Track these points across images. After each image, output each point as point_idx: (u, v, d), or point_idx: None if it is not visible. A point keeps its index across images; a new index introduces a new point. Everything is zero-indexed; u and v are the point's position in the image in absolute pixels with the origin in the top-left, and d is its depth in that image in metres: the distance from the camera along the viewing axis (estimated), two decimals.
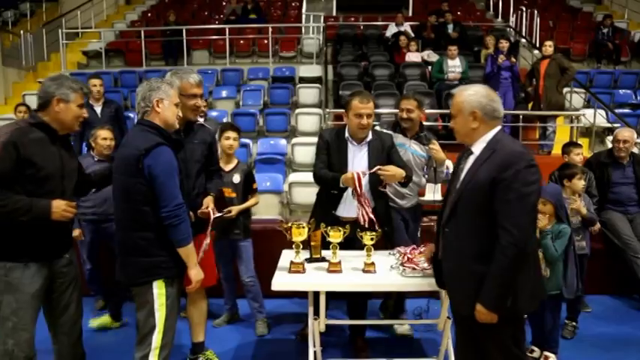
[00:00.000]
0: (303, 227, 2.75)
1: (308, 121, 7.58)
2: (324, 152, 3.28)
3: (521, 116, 6.86)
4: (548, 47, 6.63)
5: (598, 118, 7.12)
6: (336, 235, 2.74)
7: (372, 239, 2.72)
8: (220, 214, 3.04)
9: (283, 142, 7.08)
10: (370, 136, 3.22)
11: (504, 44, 7.07)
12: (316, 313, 2.83)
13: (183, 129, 2.85)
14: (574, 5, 12.73)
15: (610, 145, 4.88)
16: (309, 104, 8.17)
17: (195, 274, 2.45)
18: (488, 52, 7.37)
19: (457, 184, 2.21)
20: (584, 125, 7.31)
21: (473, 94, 2.18)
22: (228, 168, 3.61)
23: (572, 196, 3.66)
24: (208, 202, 2.92)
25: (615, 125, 7.46)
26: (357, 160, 3.21)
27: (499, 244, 2.03)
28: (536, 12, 10.28)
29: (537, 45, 9.55)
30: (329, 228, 2.76)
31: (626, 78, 9.17)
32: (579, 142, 7.07)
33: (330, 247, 2.75)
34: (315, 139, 6.65)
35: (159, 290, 2.36)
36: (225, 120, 7.15)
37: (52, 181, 2.31)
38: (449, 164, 3.37)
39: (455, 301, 2.30)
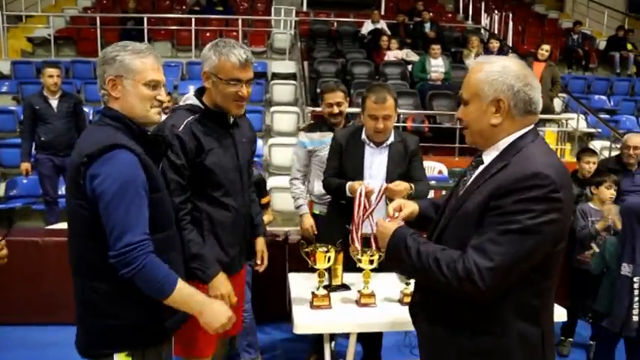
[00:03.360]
0: (328, 251, 2.25)
1: (284, 120, 7.10)
2: (336, 157, 2.80)
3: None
4: (545, 52, 6.46)
5: (580, 123, 7.07)
6: (366, 260, 2.27)
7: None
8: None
9: (259, 143, 6.54)
10: (392, 138, 2.73)
11: (495, 44, 6.85)
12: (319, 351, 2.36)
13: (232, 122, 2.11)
14: (539, 12, 12.88)
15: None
16: (284, 102, 7.67)
17: (211, 318, 1.60)
18: (478, 52, 7.11)
19: (451, 204, 1.54)
20: (567, 130, 7.22)
21: (501, 71, 1.39)
22: None
23: (604, 207, 3.33)
24: (263, 249, 2.37)
25: (595, 131, 7.46)
26: (376, 166, 2.72)
27: (463, 261, 1.33)
28: (510, 15, 10.22)
29: (512, 48, 9.52)
30: (360, 251, 2.29)
31: (599, 84, 9.25)
32: (564, 147, 7.02)
33: (362, 274, 2.27)
34: (294, 140, 6.28)
35: None
36: None
37: None
38: None
39: None
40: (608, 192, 3.39)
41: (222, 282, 1.98)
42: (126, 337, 1.59)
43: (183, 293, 1.56)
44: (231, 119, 2.11)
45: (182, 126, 1.94)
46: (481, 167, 1.46)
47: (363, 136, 2.74)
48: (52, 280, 3.51)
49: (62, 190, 5.27)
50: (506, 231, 1.30)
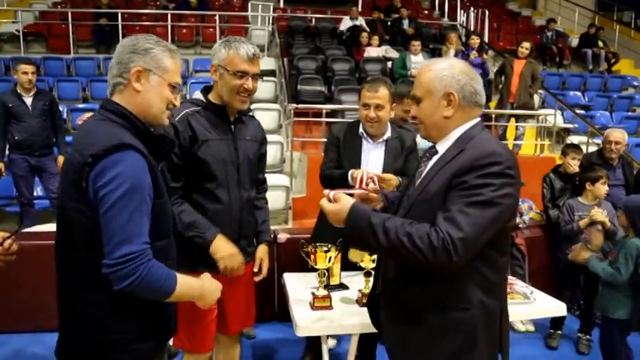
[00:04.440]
0: (328, 251, 2.20)
1: (265, 117, 6.96)
2: (334, 150, 2.78)
3: (493, 115, 6.73)
4: (525, 49, 6.53)
5: (557, 118, 7.19)
6: (368, 260, 2.23)
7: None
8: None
9: None
10: (389, 134, 2.73)
11: (475, 40, 6.89)
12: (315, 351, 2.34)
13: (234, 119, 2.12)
14: (513, 9, 13.09)
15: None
16: (264, 99, 7.56)
17: (209, 297, 1.59)
18: (457, 49, 7.14)
19: (409, 194, 1.64)
20: (545, 125, 7.33)
21: (447, 69, 1.55)
22: None
23: (592, 212, 3.35)
24: (263, 257, 2.29)
25: (572, 126, 7.60)
26: (372, 160, 2.71)
27: (436, 231, 1.40)
28: (487, 12, 10.35)
29: (488, 45, 9.64)
30: (360, 252, 2.24)
31: (573, 80, 9.44)
32: (544, 142, 7.13)
33: (363, 274, 2.24)
34: (276, 137, 6.22)
35: None
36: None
37: None
38: None
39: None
40: (603, 188, 3.43)
41: (223, 244, 2.00)
42: (122, 351, 1.48)
43: (183, 285, 1.48)
44: (235, 115, 2.11)
45: (179, 115, 1.99)
46: (436, 157, 1.60)
47: (360, 130, 2.74)
48: (30, 286, 3.36)
49: (38, 192, 5.09)
50: (471, 203, 1.41)
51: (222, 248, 1.99)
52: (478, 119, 1.59)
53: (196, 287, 1.55)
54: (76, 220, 1.41)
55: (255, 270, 2.25)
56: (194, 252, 1.96)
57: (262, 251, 2.28)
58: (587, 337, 3.50)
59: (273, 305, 3.78)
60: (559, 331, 3.55)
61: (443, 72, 1.55)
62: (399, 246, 1.41)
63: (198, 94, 2.12)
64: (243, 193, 2.14)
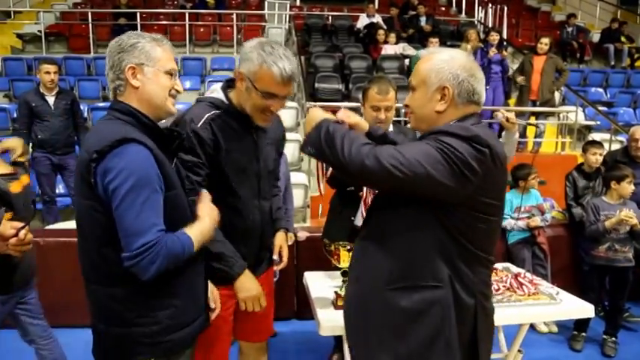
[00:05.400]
0: (351, 250, 2.18)
1: (283, 115, 6.90)
2: None
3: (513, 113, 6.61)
4: (544, 45, 6.41)
5: (579, 115, 7.05)
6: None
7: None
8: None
9: None
10: (390, 129, 2.71)
11: (495, 37, 6.78)
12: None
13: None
14: (532, 5, 12.90)
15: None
16: None
17: (210, 224, 1.58)
18: (476, 46, 7.05)
19: None
20: (567, 123, 7.20)
21: (447, 61, 1.47)
22: None
23: (622, 214, 3.26)
24: (282, 244, 2.13)
25: (594, 123, 7.46)
26: None
27: (376, 149, 1.38)
28: (506, 8, 10.21)
29: (507, 41, 9.51)
30: None
31: (594, 76, 9.26)
32: (565, 140, 7.01)
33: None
34: (294, 135, 6.21)
35: None
36: None
37: None
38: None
39: (358, 351, 1.57)
40: (629, 187, 3.35)
41: (247, 283, 1.85)
42: (146, 345, 1.49)
43: (198, 237, 1.52)
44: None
45: (201, 121, 1.78)
46: None
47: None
48: (54, 281, 3.42)
49: (60, 189, 5.16)
50: (423, 143, 1.39)
51: (245, 289, 1.84)
52: (475, 119, 1.48)
53: (206, 229, 1.57)
54: (90, 217, 1.43)
55: (275, 257, 2.10)
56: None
57: (281, 238, 2.12)
58: (613, 339, 3.43)
59: (292, 303, 3.79)
60: (583, 333, 3.49)
61: (441, 64, 1.47)
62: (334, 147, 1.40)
63: (218, 92, 1.89)
64: (264, 204, 1.99)
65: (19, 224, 1.54)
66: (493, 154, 1.37)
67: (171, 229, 1.46)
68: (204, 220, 1.58)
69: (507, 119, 2.53)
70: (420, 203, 1.41)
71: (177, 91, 1.56)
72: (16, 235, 1.52)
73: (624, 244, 3.32)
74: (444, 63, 1.47)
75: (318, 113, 1.54)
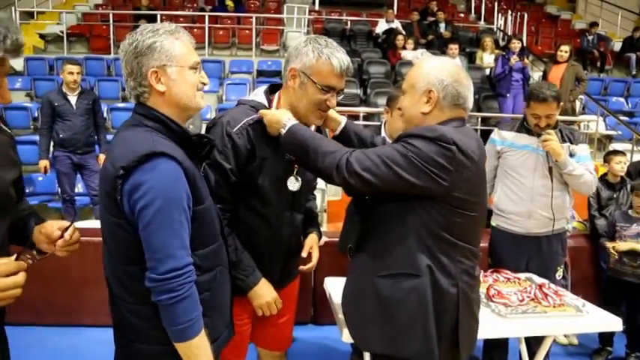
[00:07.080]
0: None
1: None
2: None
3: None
4: (564, 53, 6.34)
5: (599, 125, 6.97)
6: None
7: None
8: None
9: None
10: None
11: (516, 44, 6.72)
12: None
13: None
14: (552, 12, 12.78)
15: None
16: None
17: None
18: (495, 53, 7.00)
19: None
20: (588, 132, 7.11)
21: (435, 67, 1.59)
22: None
23: None
24: (312, 245, 2.00)
25: (615, 133, 7.35)
26: None
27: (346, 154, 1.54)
28: (526, 15, 10.12)
29: (527, 49, 9.42)
30: None
31: (616, 86, 9.14)
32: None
33: None
34: None
35: None
36: (209, 116, 6.45)
37: None
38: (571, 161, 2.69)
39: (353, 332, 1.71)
40: None
41: (263, 291, 1.80)
42: None
43: (200, 344, 1.34)
44: None
45: (238, 126, 1.69)
46: None
47: (383, 134, 2.76)
48: (72, 281, 3.43)
49: (79, 188, 5.22)
50: (392, 148, 1.51)
51: (259, 295, 1.79)
52: (460, 122, 1.59)
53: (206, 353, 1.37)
54: (115, 234, 1.36)
55: (304, 255, 1.98)
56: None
57: (312, 240, 2.01)
58: (637, 354, 3.35)
59: (309, 308, 3.77)
60: (609, 347, 3.39)
61: (429, 69, 1.60)
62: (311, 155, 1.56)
63: (260, 96, 1.81)
64: (296, 217, 1.90)
65: (65, 224, 1.48)
66: (461, 150, 1.48)
67: (202, 242, 1.41)
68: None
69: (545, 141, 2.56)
70: (400, 199, 1.53)
71: (204, 84, 1.44)
72: (62, 236, 1.48)
73: (634, 258, 3.23)
74: (431, 69, 1.60)
75: (282, 116, 1.65)
